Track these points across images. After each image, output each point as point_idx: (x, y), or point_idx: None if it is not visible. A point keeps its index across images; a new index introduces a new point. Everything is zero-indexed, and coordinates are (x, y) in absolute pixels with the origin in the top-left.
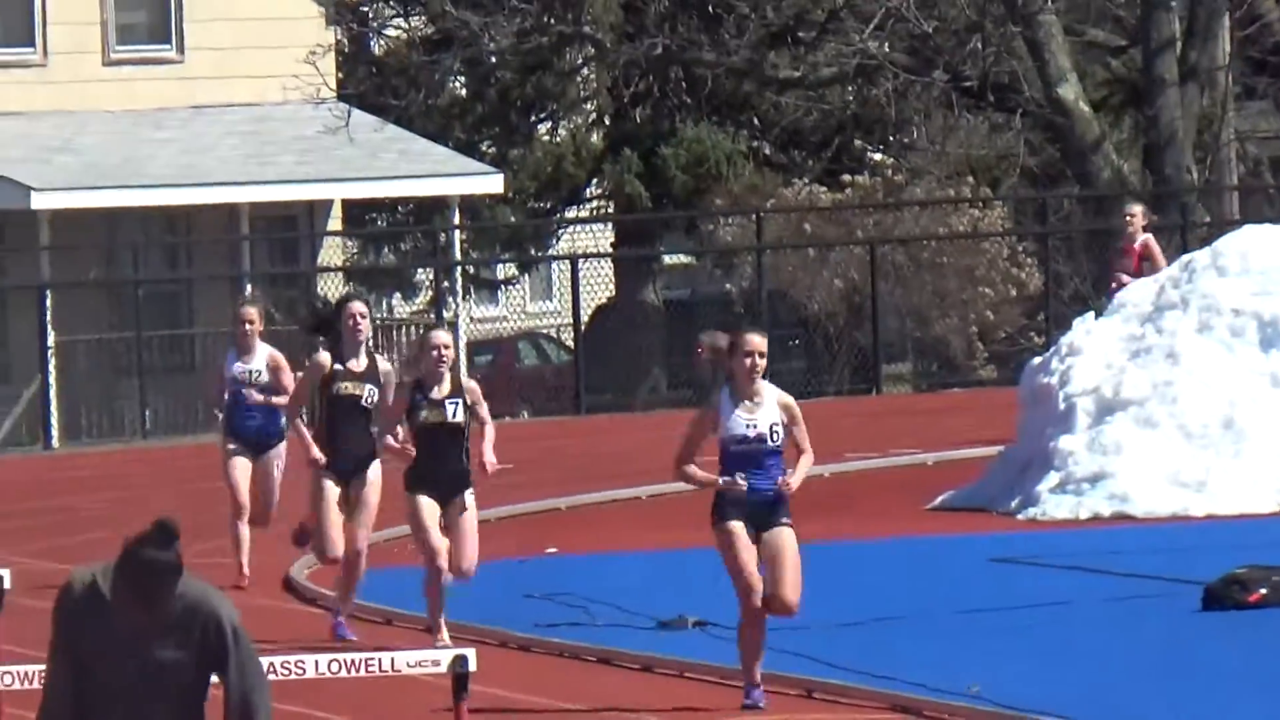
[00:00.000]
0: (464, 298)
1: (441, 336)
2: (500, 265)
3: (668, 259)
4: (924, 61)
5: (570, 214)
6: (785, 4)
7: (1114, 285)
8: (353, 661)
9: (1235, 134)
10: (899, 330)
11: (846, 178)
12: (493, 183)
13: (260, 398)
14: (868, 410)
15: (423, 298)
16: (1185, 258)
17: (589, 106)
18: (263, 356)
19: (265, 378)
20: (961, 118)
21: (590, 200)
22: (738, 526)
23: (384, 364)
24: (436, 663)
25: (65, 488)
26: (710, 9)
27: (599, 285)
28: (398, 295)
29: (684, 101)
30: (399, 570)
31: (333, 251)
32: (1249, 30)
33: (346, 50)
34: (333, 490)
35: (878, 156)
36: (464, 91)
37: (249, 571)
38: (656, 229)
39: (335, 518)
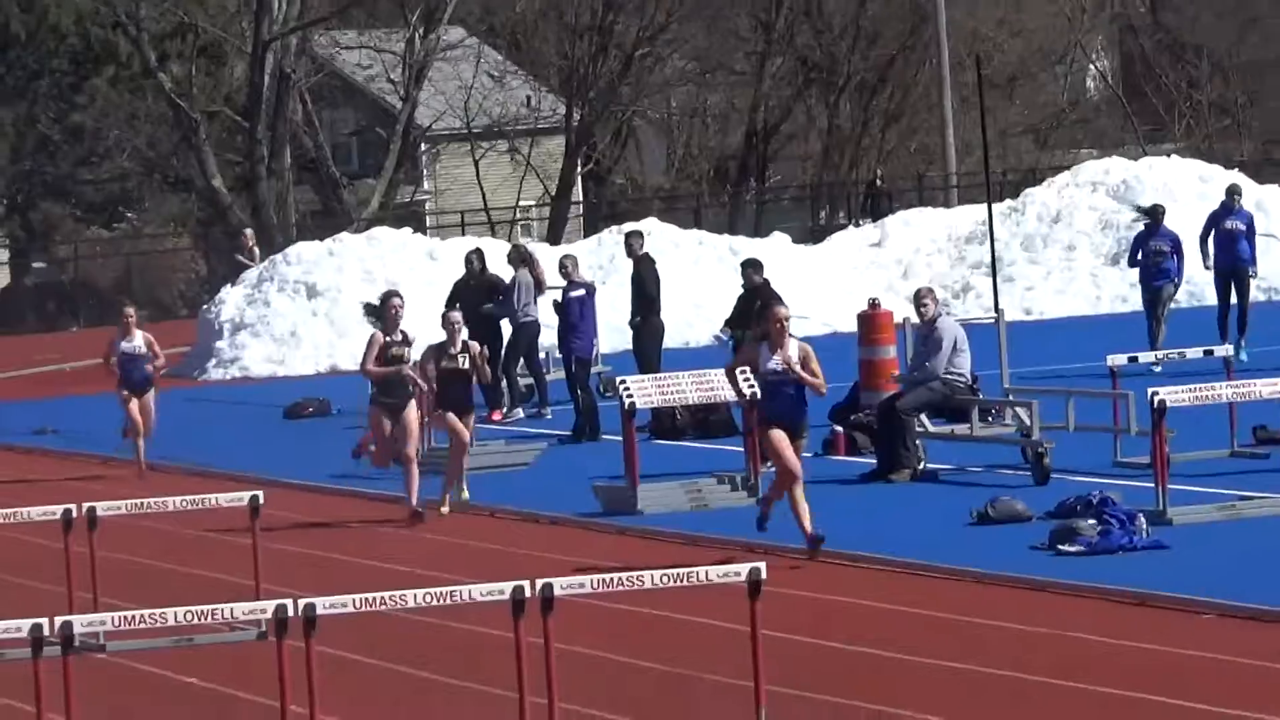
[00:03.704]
0: None
1: (455, 317)
2: None
3: None
4: None
5: None
6: None
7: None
8: None
9: None
10: None
11: None
12: None
13: (155, 362)
14: None
15: None
16: (282, 253)
17: None
18: (139, 337)
19: (143, 349)
20: None
21: None
22: (779, 433)
23: (411, 333)
24: None
25: None
26: None
27: None
28: None
29: None
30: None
31: None
32: None
33: None
34: (385, 421)
35: None
36: None
37: (144, 465)
38: None
39: (389, 438)
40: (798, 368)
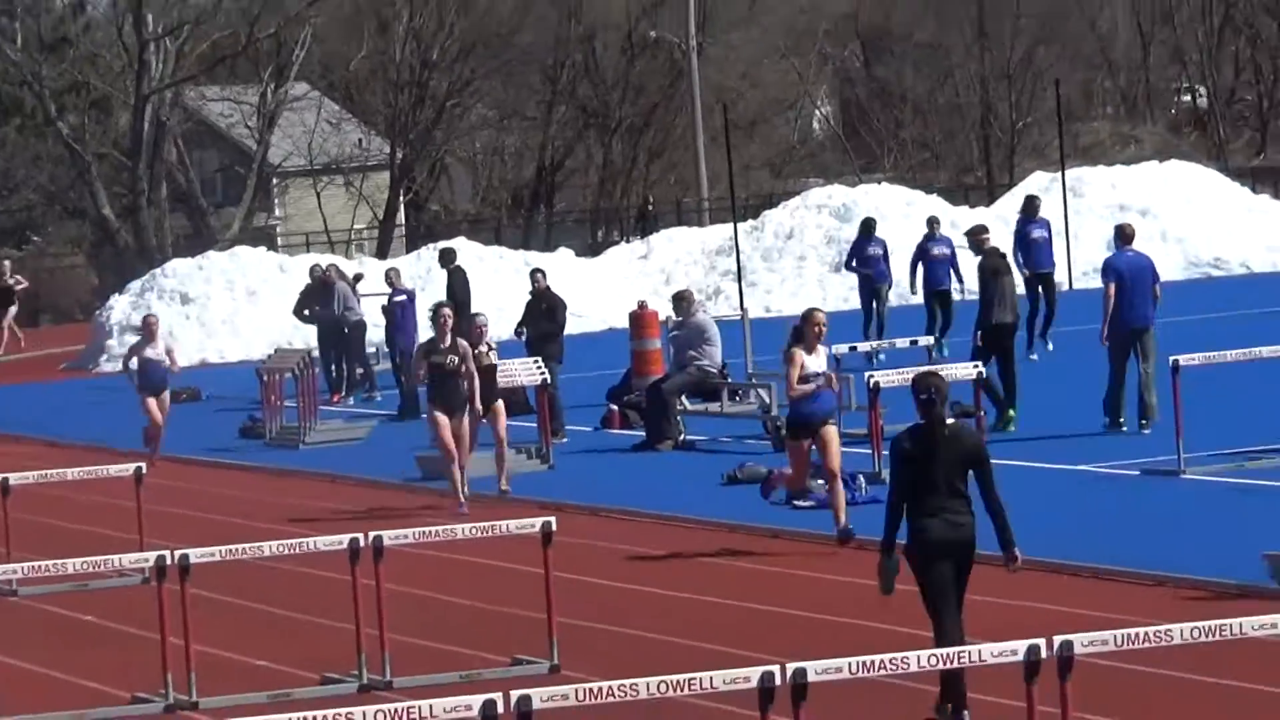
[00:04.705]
0: None
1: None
2: None
3: None
4: None
5: None
6: None
7: None
8: None
9: None
10: None
11: None
12: None
13: (173, 367)
14: None
15: None
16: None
17: None
18: (162, 344)
19: (164, 355)
20: None
21: None
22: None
23: (462, 343)
24: None
25: None
26: None
27: None
28: None
29: None
30: None
31: None
32: None
33: None
34: (444, 420)
35: None
36: None
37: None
38: None
39: (449, 436)
40: (835, 381)
